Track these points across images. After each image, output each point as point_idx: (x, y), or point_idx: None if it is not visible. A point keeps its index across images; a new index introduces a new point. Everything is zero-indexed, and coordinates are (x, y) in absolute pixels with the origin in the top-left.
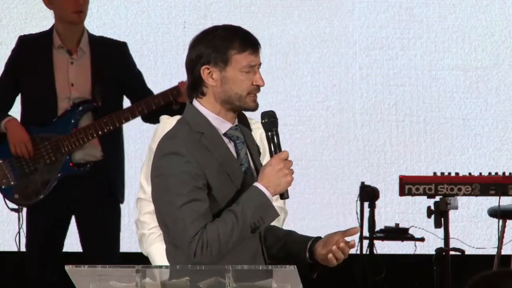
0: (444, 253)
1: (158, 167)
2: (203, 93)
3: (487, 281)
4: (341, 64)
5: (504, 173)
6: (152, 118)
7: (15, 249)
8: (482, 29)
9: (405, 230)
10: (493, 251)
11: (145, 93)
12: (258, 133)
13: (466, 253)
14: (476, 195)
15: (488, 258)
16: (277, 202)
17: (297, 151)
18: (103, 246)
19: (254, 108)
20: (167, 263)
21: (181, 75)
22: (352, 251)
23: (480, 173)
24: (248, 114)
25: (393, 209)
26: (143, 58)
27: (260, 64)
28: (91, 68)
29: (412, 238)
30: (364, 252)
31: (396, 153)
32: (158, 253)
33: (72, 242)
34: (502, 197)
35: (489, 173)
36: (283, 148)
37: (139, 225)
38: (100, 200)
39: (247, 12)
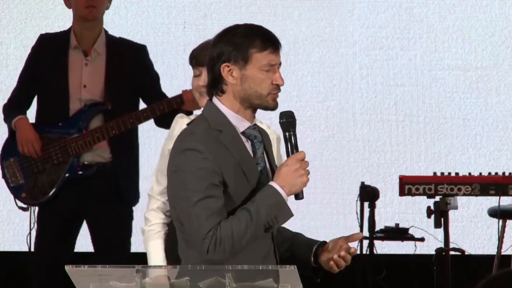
0: (444, 253)
1: (175, 162)
2: (223, 91)
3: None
4: (341, 64)
5: (504, 173)
6: (163, 123)
7: (26, 249)
8: (482, 29)
9: (405, 230)
10: (493, 251)
11: (160, 97)
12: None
13: (466, 253)
14: (476, 195)
15: (488, 258)
16: None
17: None
18: (112, 248)
19: (274, 107)
20: (161, 260)
21: (181, 75)
22: None
23: (480, 173)
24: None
25: (393, 209)
26: None
27: (280, 63)
28: (105, 70)
29: (412, 238)
30: (364, 252)
31: (396, 153)
32: (153, 250)
33: (86, 243)
34: (502, 197)
35: (489, 173)
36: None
37: (144, 221)
38: (108, 202)
39: (247, 12)
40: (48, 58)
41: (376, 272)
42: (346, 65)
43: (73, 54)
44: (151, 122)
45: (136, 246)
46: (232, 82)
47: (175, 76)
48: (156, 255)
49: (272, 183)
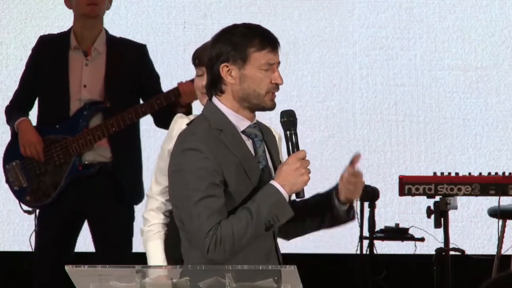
0: (444, 253)
1: (176, 162)
2: (222, 91)
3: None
4: (341, 64)
5: (504, 173)
6: (162, 121)
7: (30, 249)
8: (482, 29)
9: (405, 230)
10: (493, 251)
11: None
12: None
13: (466, 253)
14: (476, 195)
15: (488, 258)
16: None
17: None
18: (113, 248)
19: (272, 107)
20: (161, 260)
21: (182, 75)
22: (352, 251)
23: (480, 173)
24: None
25: (393, 209)
26: None
27: (279, 62)
28: (105, 70)
29: (412, 238)
30: (364, 252)
31: (396, 153)
32: (153, 250)
33: (85, 243)
34: (502, 197)
35: (489, 173)
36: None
37: (143, 221)
38: (110, 201)
39: (247, 12)
40: (48, 60)
41: (376, 272)
42: (346, 65)
43: (73, 55)
44: (151, 122)
45: (136, 246)
46: (231, 82)
47: (175, 76)
48: (156, 256)
49: (273, 182)
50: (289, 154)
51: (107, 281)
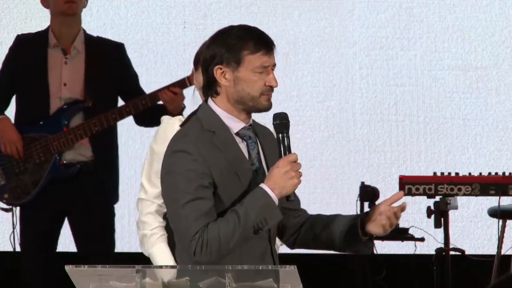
0: (444, 253)
1: (167, 164)
2: (217, 93)
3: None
4: (341, 64)
5: (504, 173)
6: (144, 121)
7: (10, 249)
8: (482, 29)
9: (405, 230)
10: (493, 251)
11: (138, 95)
12: None
13: (466, 253)
14: (476, 195)
15: (488, 258)
16: None
17: (297, 151)
18: (96, 246)
19: (268, 107)
20: (172, 263)
21: (181, 75)
22: None
23: (480, 173)
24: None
25: None
26: (143, 58)
27: (274, 64)
28: (84, 68)
29: (412, 238)
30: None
31: (396, 153)
32: (159, 254)
33: (66, 242)
34: (502, 197)
35: (489, 173)
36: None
37: (141, 225)
38: (92, 201)
39: (247, 12)
40: (26, 58)
41: (376, 272)
42: (346, 65)
43: (52, 53)
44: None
45: (136, 246)
46: (225, 84)
47: (175, 76)
48: (165, 259)
49: (262, 185)
50: (280, 157)
51: (107, 281)
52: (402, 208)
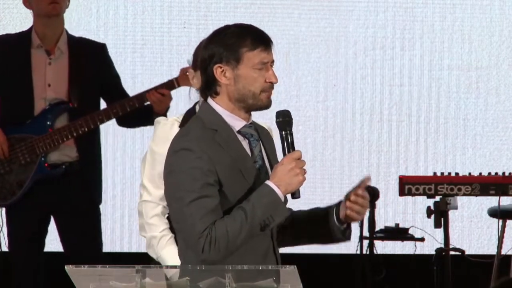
0: (444, 253)
1: (170, 163)
2: (217, 92)
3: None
4: (341, 64)
5: (504, 173)
6: (126, 122)
7: None
8: (482, 29)
9: (405, 230)
10: (493, 251)
11: (121, 96)
12: None
13: (466, 253)
14: (476, 195)
15: (488, 258)
16: None
17: None
18: (84, 247)
19: (267, 105)
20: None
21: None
22: (352, 251)
23: (480, 173)
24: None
25: (393, 209)
26: (143, 58)
27: (273, 61)
28: (68, 69)
29: (412, 238)
30: (364, 252)
31: (396, 153)
32: (170, 256)
33: (54, 242)
34: (502, 197)
35: (489, 173)
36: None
37: (147, 228)
38: (78, 201)
39: (247, 12)
40: (10, 58)
41: (376, 272)
42: (346, 65)
43: (36, 53)
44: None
45: (136, 246)
46: (226, 83)
47: (175, 76)
48: (175, 261)
49: (268, 182)
50: (284, 154)
51: (107, 281)
52: (366, 180)
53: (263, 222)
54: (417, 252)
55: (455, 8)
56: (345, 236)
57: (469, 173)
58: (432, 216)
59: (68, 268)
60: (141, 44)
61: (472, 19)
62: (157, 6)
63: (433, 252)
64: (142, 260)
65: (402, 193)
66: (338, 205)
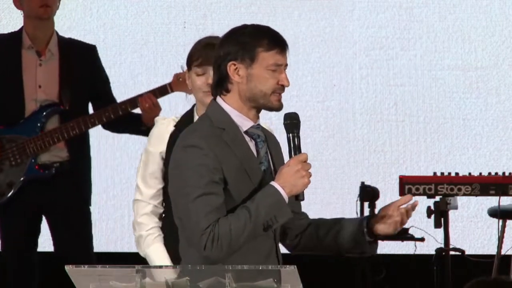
0: (444, 253)
1: (176, 159)
2: (228, 90)
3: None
4: (341, 64)
5: (504, 173)
6: (114, 126)
7: None
8: (482, 29)
9: (405, 230)
10: (493, 251)
11: (108, 100)
12: None
13: (466, 253)
14: (476, 195)
15: (488, 258)
16: None
17: None
18: (76, 247)
19: (278, 107)
20: (168, 263)
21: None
22: None
23: (480, 173)
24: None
25: None
26: (143, 58)
27: (286, 64)
28: (59, 70)
29: (412, 238)
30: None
31: (396, 153)
32: (156, 254)
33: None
34: (502, 197)
35: (489, 173)
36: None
37: (137, 227)
38: (69, 201)
39: (247, 12)
40: (0, 59)
41: (376, 272)
42: (346, 65)
43: (27, 54)
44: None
45: (123, 244)
46: (238, 81)
47: (168, 82)
48: (160, 259)
49: (273, 183)
50: (290, 156)
51: (107, 281)
52: (414, 206)
53: (266, 222)
54: (417, 252)
55: (455, 8)
56: (373, 250)
57: (469, 173)
58: (432, 216)
59: (68, 268)
60: (141, 44)
61: (472, 19)
62: (157, 6)
63: (433, 252)
64: (142, 260)
65: (402, 193)
66: (369, 217)
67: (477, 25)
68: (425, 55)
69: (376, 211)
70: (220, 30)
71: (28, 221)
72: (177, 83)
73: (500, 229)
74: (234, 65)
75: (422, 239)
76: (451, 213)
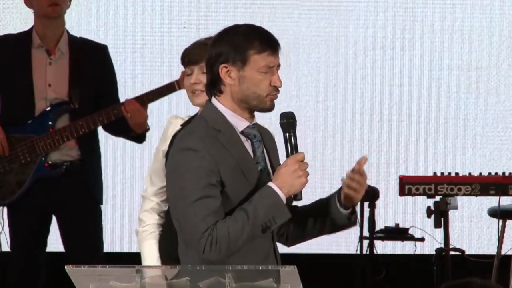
0: (444, 253)
1: (174, 162)
2: (221, 91)
3: None
4: (341, 64)
5: (504, 173)
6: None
7: None
8: (482, 29)
9: (405, 230)
10: (493, 251)
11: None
12: None
13: (466, 253)
14: (476, 195)
15: (488, 258)
16: None
17: None
18: (85, 246)
19: (270, 108)
20: (155, 260)
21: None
22: (352, 251)
23: (480, 173)
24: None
25: (393, 209)
26: (143, 58)
27: (279, 65)
28: (69, 70)
29: (412, 238)
30: (364, 252)
31: (396, 153)
32: (148, 250)
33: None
34: (502, 197)
35: (489, 173)
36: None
37: (138, 222)
38: (79, 200)
39: (247, 12)
40: (10, 59)
41: (376, 272)
42: (346, 65)
43: (37, 53)
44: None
45: (136, 246)
46: (230, 83)
47: (175, 76)
48: (150, 256)
49: (270, 184)
50: (287, 156)
51: (107, 281)
52: (360, 164)
53: (264, 224)
54: (417, 252)
55: (455, 8)
56: (351, 221)
57: (469, 173)
58: (432, 216)
59: (68, 268)
60: (141, 44)
61: (472, 19)
62: (157, 6)
63: (433, 252)
64: (141, 260)
65: (402, 193)
66: (339, 191)
67: (477, 25)
68: (425, 55)
69: (376, 211)
70: (220, 30)
71: (37, 220)
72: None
73: (500, 229)
74: (226, 67)
75: (422, 239)
76: (451, 213)
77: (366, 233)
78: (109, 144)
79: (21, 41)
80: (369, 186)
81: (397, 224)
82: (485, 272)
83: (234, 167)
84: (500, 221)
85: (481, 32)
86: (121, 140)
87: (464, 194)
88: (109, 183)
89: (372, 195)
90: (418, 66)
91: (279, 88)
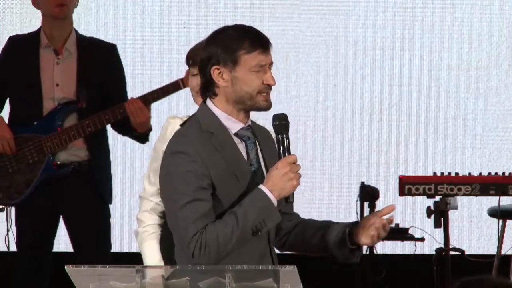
0: (444, 253)
1: (166, 165)
2: (215, 93)
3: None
4: (341, 64)
5: (504, 173)
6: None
7: (4, 249)
8: (482, 29)
9: (405, 230)
10: (493, 251)
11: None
12: None
13: (466, 253)
14: (476, 195)
15: (488, 258)
16: None
17: (297, 151)
18: (93, 246)
19: (267, 107)
20: (157, 260)
21: (182, 75)
22: None
23: (480, 173)
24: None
25: None
26: (143, 58)
27: (271, 63)
28: (76, 69)
29: (412, 238)
30: (364, 252)
31: (396, 153)
32: (148, 250)
33: (66, 242)
34: (502, 197)
35: (489, 173)
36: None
37: (137, 223)
38: (87, 200)
39: (247, 12)
40: (19, 59)
41: (376, 272)
42: (346, 65)
43: (44, 53)
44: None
45: (136, 246)
46: (223, 85)
47: (175, 76)
48: (152, 256)
49: (261, 187)
50: (280, 158)
51: (107, 281)
52: (390, 221)
53: (255, 227)
54: (417, 252)
55: (455, 8)
56: (356, 257)
57: (469, 173)
58: (432, 216)
59: (68, 268)
60: (141, 44)
61: (472, 19)
62: (157, 6)
63: (433, 252)
64: (141, 260)
65: (402, 193)
66: (353, 225)
67: (477, 25)
68: (425, 55)
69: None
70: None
71: (44, 221)
72: None
73: (500, 229)
74: (218, 69)
75: (422, 239)
76: (451, 213)
77: None
78: (110, 144)
79: (29, 41)
80: (369, 186)
81: (397, 224)
82: (485, 272)
83: (226, 170)
84: (500, 221)
85: (481, 32)
86: (121, 140)
87: (464, 194)
88: None
89: (372, 195)
90: (418, 66)
91: (276, 85)
